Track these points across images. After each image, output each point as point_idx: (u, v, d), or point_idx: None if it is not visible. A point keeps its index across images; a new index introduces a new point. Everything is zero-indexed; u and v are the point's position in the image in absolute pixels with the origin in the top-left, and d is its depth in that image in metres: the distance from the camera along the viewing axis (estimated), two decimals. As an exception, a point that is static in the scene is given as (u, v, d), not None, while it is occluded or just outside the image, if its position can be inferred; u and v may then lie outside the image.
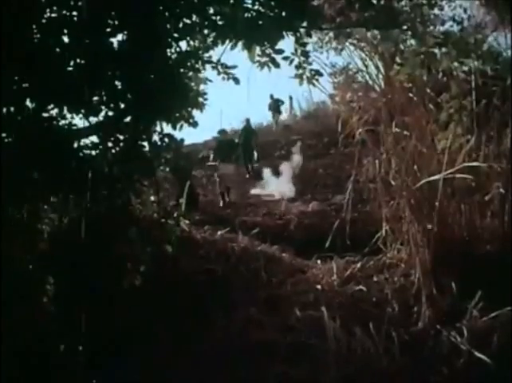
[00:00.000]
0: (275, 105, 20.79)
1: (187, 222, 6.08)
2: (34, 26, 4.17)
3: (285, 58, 5.40)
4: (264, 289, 4.88)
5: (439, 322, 4.06)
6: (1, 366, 3.57)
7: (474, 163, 4.73)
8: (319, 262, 5.63)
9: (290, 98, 21.59)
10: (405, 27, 6.53)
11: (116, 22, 4.47)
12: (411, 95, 5.26)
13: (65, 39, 4.37)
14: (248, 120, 16.46)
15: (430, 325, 4.11)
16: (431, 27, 7.42)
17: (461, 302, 4.18)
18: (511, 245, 4.47)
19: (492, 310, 3.99)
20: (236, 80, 5.59)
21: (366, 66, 5.41)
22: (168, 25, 4.82)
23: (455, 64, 6.16)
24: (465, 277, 4.33)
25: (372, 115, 5.30)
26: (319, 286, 4.91)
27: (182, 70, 5.08)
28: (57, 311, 4.15)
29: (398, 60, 6.92)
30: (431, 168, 4.84)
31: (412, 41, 7.39)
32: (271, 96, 20.55)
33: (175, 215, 5.47)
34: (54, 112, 4.55)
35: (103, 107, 4.65)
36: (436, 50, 6.54)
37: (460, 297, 4.24)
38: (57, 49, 4.34)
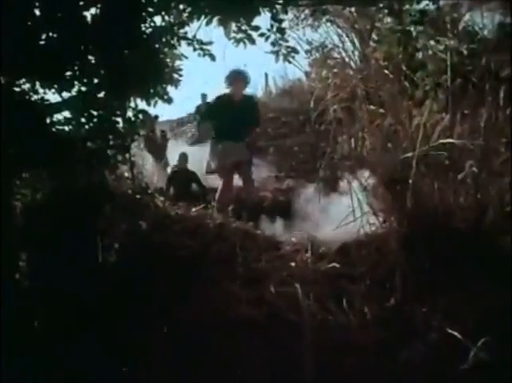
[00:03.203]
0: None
1: (162, 198, 6.06)
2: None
3: (261, 35, 5.38)
4: (240, 265, 4.88)
5: (412, 298, 4.11)
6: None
7: (449, 140, 4.77)
8: (294, 239, 5.65)
9: (266, 75, 21.07)
10: (381, 5, 6.52)
11: (90, -5, 4.41)
12: (386, 72, 5.27)
13: (37, 12, 4.30)
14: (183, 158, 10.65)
15: (403, 300, 4.15)
16: (408, 5, 7.40)
17: (434, 279, 4.23)
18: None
19: (464, 287, 4.05)
20: (212, 57, 5.55)
21: (342, 42, 5.40)
22: (143, 0, 4.76)
23: (431, 42, 6.18)
24: (438, 254, 4.37)
25: (348, 92, 5.31)
26: (293, 263, 4.93)
27: (157, 46, 5.02)
28: (31, 287, 4.13)
29: (374, 37, 6.92)
30: (405, 145, 4.87)
31: (389, 19, 7.40)
32: (203, 97, 15.21)
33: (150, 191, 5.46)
34: (26, 86, 4.49)
35: (76, 82, 4.60)
36: (412, 28, 6.56)
37: (433, 273, 4.28)
38: (29, 22, 4.26)
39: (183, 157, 10.86)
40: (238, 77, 7.46)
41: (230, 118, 7.31)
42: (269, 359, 3.77)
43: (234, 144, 7.37)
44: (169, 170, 11.24)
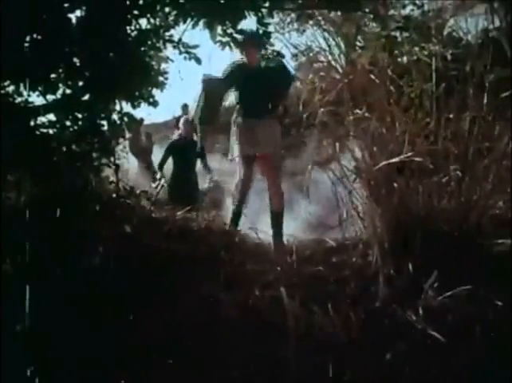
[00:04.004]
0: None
1: (147, 201, 6.05)
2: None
3: (246, 39, 5.40)
4: (225, 268, 4.88)
5: (396, 301, 4.13)
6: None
7: (434, 147, 4.80)
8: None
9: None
10: (367, 10, 6.56)
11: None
12: (372, 76, 5.28)
13: (22, 13, 4.28)
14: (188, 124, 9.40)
15: (387, 304, 4.17)
16: (393, 10, 7.45)
17: (417, 282, 4.24)
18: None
19: (447, 290, 4.07)
20: (198, 60, 5.56)
21: (329, 46, 5.41)
22: (128, 2, 4.76)
23: (416, 48, 6.21)
24: (422, 257, 4.40)
25: (334, 96, 5.32)
26: (279, 267, 4.93)
27: (142, 48, 5.02)
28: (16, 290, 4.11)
29: (360, 40, 6.94)
30: (390, 150, 4.89)
31: (374, 24, 7.43)
32: (183, 109, 13.31)
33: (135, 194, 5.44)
34: (10, 89, 4.47)
35: (60, 84, 4.58)
36: (398, 34, 6.59)
37: (417, 277, 4.30)
38: (14, 24, 4.25)
39: (188, 123, 9.33)
40: (250, 40, 6.01)
41: (249, 89, 6.15)
42: (253, 360, 3.77)
43: (259, 123, 6.13)
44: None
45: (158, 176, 9.07)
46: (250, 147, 6.09)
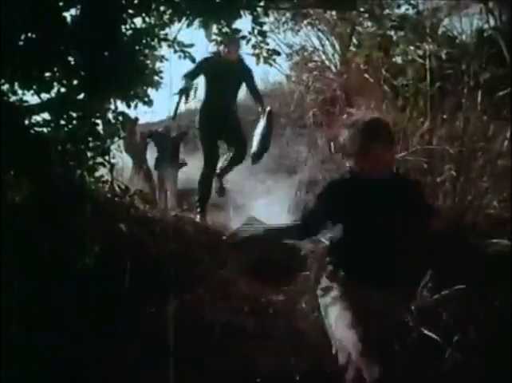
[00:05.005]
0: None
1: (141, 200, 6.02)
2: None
3: (243, 38, 5.39)
4: (218, 269, 4.89)
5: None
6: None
7: (429, 147, 4.81)
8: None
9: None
10: (362, 9, 6.56)
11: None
12: (366, 76, 5.30)
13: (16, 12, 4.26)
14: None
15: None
16: (388, 9, 7.46)
17: (411, 281, 4.25)
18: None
19: (442, 289, 4.07)
20: (192, 59, 5.54)
21: (323, 45, 5.42)
22: (123, 1, 4.74)
23: (411, 47, 6.23)
24: (416, 256, 4.40)
25: (328, 95, 5.34)
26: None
27: (137, 47, 5.00)
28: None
29: (354, 41, 6.95)
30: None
31: (369, 23, 7.44)
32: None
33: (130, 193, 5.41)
34: (5, 87, 4.45)
35: (55, 83, 4.56)
36: (393, 33, 6.61)
37: (411, 276, 4.31)
38: (8, 23, 4.23)
39: (232, 40, 6.30)
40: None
41: (371, 223, 3.00)
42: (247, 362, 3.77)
43: (375, 293, 3.16)
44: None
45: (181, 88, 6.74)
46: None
